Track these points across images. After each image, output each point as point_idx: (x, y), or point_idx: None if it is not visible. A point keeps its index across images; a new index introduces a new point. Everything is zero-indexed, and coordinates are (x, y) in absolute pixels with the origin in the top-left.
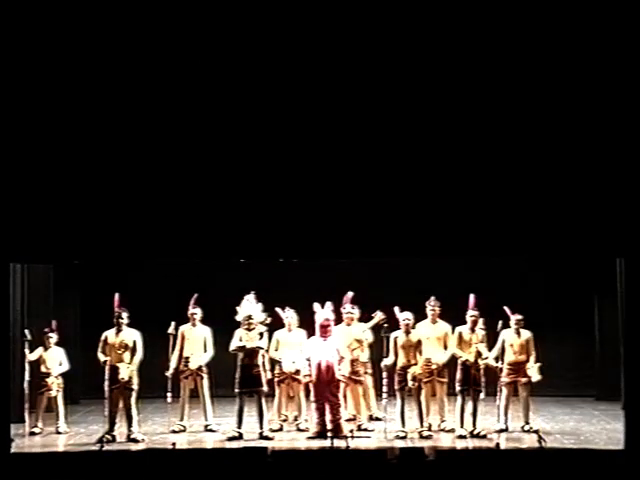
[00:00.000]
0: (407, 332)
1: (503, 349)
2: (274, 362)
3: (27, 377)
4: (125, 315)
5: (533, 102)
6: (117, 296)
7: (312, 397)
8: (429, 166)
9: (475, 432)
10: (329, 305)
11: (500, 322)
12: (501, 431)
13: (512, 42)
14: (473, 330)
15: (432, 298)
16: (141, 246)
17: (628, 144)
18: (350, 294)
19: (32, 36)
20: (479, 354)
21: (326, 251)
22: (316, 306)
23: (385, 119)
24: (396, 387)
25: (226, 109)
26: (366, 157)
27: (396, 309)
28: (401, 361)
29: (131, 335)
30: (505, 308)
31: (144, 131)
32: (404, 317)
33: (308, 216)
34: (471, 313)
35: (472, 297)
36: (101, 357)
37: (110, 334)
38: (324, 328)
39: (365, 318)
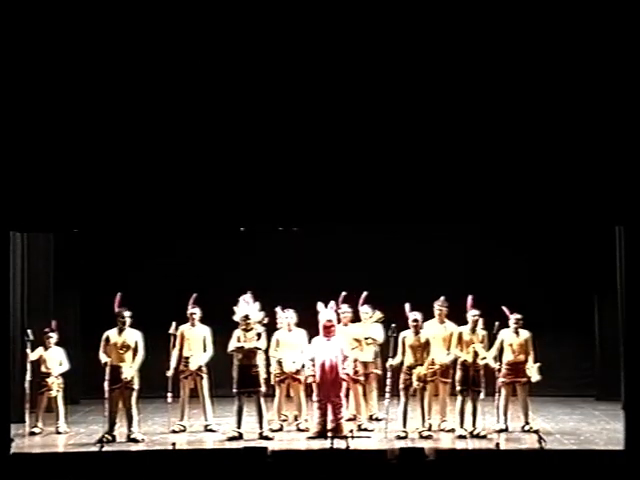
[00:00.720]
0: (416, 332)
1: (502, 349)
2: (272, 362)
3: (28, 377)
4: (127, 315)
5: (530, 73)
6: (119, 296)
7: (315, 397)
8: (426, 131)
9: (475, 432)
10: (332, 305)
11: (497, 323)
12: (501, 431)
13: (509, 21)
14: (474, 331)
15: (442, 298)
16: (140, 215)
17: (626, 111)
18: (365, 294)
19: (30, 17)
20: (476, 354)
21: (324, 217)
22: (320, 306)
23: (382, 91)
24: (401, 386)
25: (223, 77)
26: (362, 124)
27: (407, 307)
28: (408, 361)
29: (133, 335)
30: (503, 308)
31: (143, 100)
32: (413, 317)
33: (307, 182)
34: (473, 313)
35: (470, 298)
36: (103, 358)
37: (112, 334)
38: (327, 328)
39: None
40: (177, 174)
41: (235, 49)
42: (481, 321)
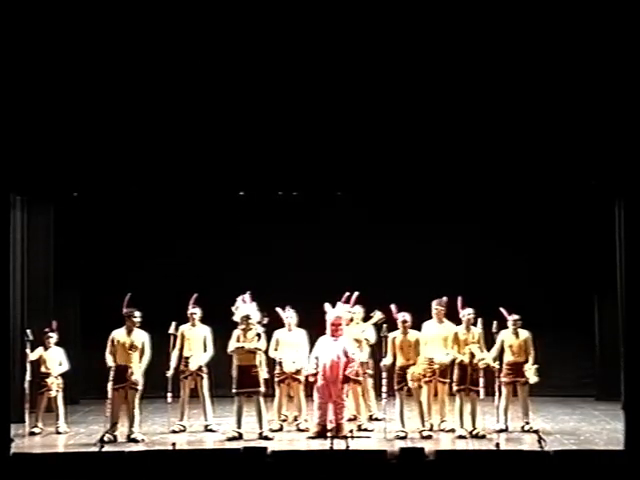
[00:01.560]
0: (405, 332)
1: (502, 349)
2: (273, 362)
3: (28, 377)
4: (138, 315)
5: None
6: (128, 296)
7: (316, 396)
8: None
9: (475, 432)
10: (340, 305)
11: (495, 322)
12: (501, 431)
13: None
14: (468, 330)
15: (444, 299)
16: (139, 180)
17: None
18: (356, 294)
19: None
20: (472, 354)
21: (324, 184)
22: (327, 306)
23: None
24: (395, 387)
25: (222, 43)
26: (361, 91)
27: (393, 308)
28: (400, 361)
29: (141, 336)
30: (501, 309)
31: (143, 65)
32: (402, 317)
33: (307, 148)
34: (467, 312)
35: (460, 299)
36: (109, 361)
37: (119, 334)
38: (335, 327)
39: (364, 318)
40: (176, 138)
41: (232, 25)
42: (480, 320)
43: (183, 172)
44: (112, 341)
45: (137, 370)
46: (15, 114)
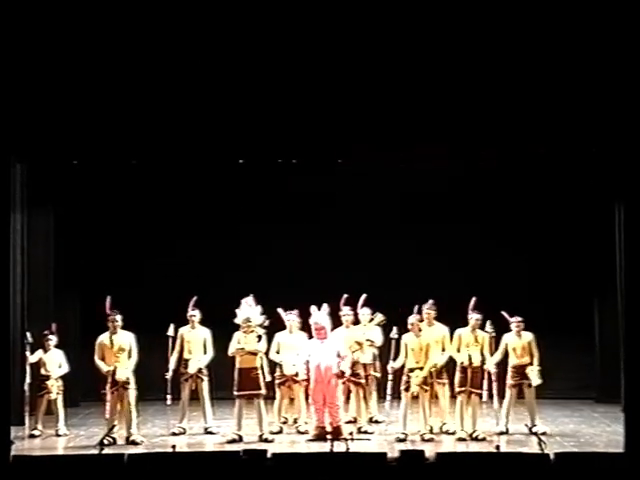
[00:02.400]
0: (417, 335)
1: (506, 352)
2: (274, 364)
3: (28, 379)
4: (119, 318)
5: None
6: (109, 299)
7: (311, 399)
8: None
9: (475, 435)
10: (325, 307)
11: (490, 325)
12: (502, 434)
13: None
14: (473, 333)
15: (430, 302)
16: (139, 148)
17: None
18: (364, 296)
19: None
20: (470, 357)
21: (324, 152)
22: (313, 308)
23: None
24: (402, 388)
25: (219, 16)
26: (361, 56)
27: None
28: (409, 363)
29: (126, 337)
30: (503, 313)
31: (143, 30)
32: (412, 320)
33: (307, 116)
34: (475, 317)
35: (473, 300)
36: (102, 367)
37: (105, 338)
38: (317, 331)
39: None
40: (176, 106)
41: None
42: (488, 323)
43: (183, 141)
44: (99, 346)
45: (123, 371)
46: (18, 81)
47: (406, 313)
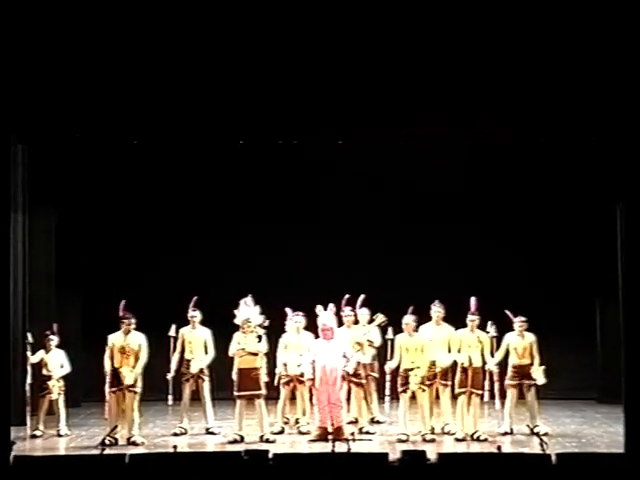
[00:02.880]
0: (410, 335)
1: (507, 352)
2: (279, 364)
3: (29, 380)
4: (134, 321)
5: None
6: (123, 302)
7: (314, 400)
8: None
9: (476, 435)
10: (331, 307)
11: (492, 325)
12: (505, 434)
13: None
14: (473, 333)
15: (436, 301)
16: (140, 125)
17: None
18: (362, 296)
19: None
20: (470, 358)
21: (325, 132)
22: (319, 308)
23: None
24: (399, 389)
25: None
26: (360, 35)
27: (508, 313)
28: (405, 364)
29: (137, 339)
30: (507, 312)
31: (146, 8)
32: (406, 320)
33: (307, 96)
34: (471, 318)
35: (473, 300)
36: (107, 365)
37: (116, 338)
38: (324, 332)
39: (368, 320)
40: (176, 85)
41: None
42: (490, 325)
43: (183, 120)
44: (110, 345)
45: (129, 373)
46: (19, 61)
47: (404, 314)
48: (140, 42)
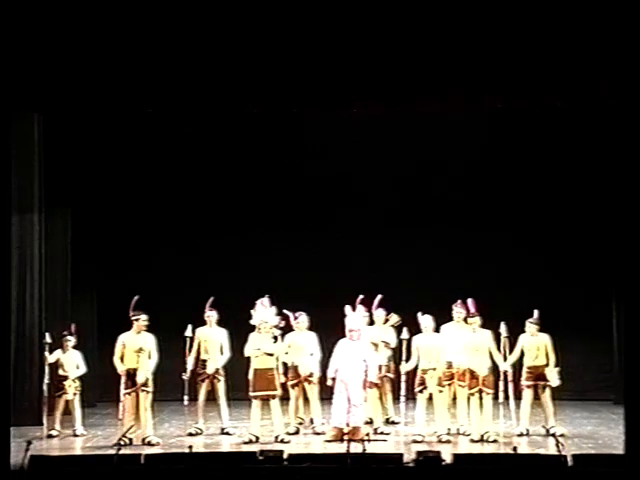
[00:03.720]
0: (427, 336)
1: (522, 353)
2: (286, 365)
3: (46, 380)
4: (145, 317)
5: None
6: (135, 299)
7: (334, 399)
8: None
9: (487, 436)
10: (360, 309)
11: (505, 327)
12: (521, 435)
13: None
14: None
15: (459, 302)
16: (145, 95)
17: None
18: (378, 297)
19: None
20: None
21: (339, 102)
22: (347, 309)
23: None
24: (416, 390)
25: None
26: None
27: (419, 315)
28: (423, 364)
29: (148, 339)
30: (535, 312)
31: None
32: (424, 321)
33: (320, 66)
34: (470, 320)
35: (470, 301)
36: (119, 366)
37: (127, 338)
38: (351, 332)
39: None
40: (187, 56)
41: None
42: (503, 326)
43: (195, 91)
44: (120, 345)
45: (142, 373)
46: (34, 30)
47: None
48: (148, 16)
